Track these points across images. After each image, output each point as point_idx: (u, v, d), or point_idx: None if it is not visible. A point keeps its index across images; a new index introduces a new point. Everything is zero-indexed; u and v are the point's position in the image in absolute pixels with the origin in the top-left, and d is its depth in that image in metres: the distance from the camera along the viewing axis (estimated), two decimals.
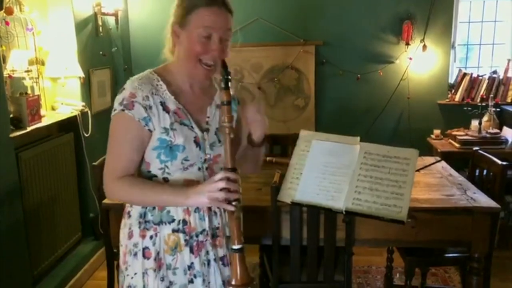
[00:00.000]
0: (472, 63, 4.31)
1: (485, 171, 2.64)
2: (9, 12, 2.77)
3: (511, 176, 3.37)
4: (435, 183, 2.50)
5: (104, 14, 3.72)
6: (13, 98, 2.75)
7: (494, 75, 3.99)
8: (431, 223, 2.17)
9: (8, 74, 2.79)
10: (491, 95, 3.85)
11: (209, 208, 1.48)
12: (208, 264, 1.48)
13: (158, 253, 1.44)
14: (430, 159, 2.96)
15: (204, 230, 1.46)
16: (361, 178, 1.62)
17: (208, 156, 1.47)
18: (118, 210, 2.24)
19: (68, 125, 3.28)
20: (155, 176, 1.45)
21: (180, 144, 1.41)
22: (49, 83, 3.27)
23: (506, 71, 4.00)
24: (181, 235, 1.44)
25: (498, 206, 2.16)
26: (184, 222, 1.45)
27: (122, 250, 1.52)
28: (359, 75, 4.07)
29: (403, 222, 1.52)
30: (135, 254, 1.46)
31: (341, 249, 2.19)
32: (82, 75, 3.34)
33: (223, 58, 1.40)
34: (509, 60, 4.02)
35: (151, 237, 1.44)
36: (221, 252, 1.51)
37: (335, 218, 2.17)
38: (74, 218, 3.38)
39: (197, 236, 1.46)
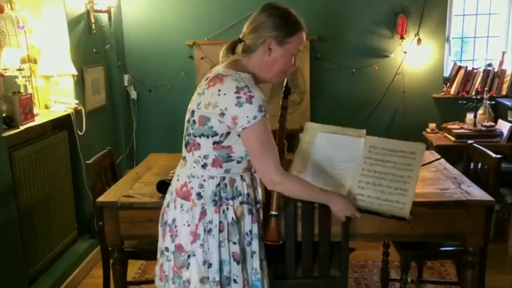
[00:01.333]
0: (467, 56, 4.30)
1: (479, 164, 2.64)
2: (1, 10, 2.75)
3: (506, 169, 3.40)
4: (430, 177, 2.50)
5: (96, 11, 3.70)
6: (5, 97, 2.74)
7: (489, 68, 3.99)
8: (425, 217, 2.16)
9: (0, 72, 2.77)
10: (486, 88, 3.85)
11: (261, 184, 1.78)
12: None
13: (231, 224, 1.69)
14: (425, 153, 2.96)
15: (259, 200, 1.80)
16: (365, 172, 1.63)
17: None
18: (112, 208, 2.25)
19: (62, 124, 3.27)
20: (232, 160, 1.67)
21: None
22: (42, 82, 3.25)
23: (500, 63, 4.00)
24: (245, 206, 1.72)
25: (492, 199, 2.15)
26: (247, 195, 1.73)
27: (187, 230, 1.69)
28: (354, 70, 4.06)
29: (404, 219, 1.51)
30: (210, 230, 1.67)
31: (336, 244, 2.19)
32: (75, 73, 3.32)
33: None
34: (503, 53, 4.02)
35: (223, 211, 1.68)
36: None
37: (330, 213, 2.17)
38: (69, 217, 3.38)
39: (256, 204, 1.78)
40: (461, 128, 3.69)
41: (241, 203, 1.71)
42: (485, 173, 2.56)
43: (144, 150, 3.96)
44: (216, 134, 1.64)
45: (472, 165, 2.73)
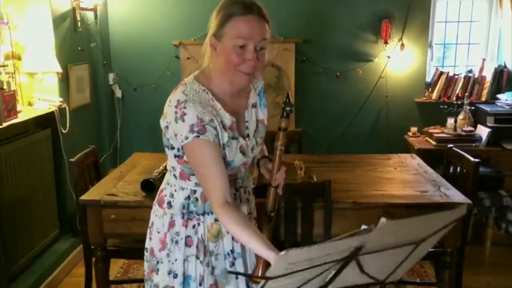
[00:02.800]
0: (449, 62, 4.39)
1: (458, 168, 2.70)
2: None
3: (484, 173, 3.48)
4: (411, 179, 2.56)
5: (82, 9, 3.69)
6: None
7: (470, 74, 4.07)
8: (405, 218, 2.21)
9: None
10: (467, 94, 3.93)
11: (244, 193, 1.62)
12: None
13: (202, 241, 1.53)
14: (406, 156, 3.03)
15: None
16: None
17: (248, 159, 1.58)
18: (95, 207, 2.26)
19: (45, 121, 3.24)
20: None
21: (230, 160, 1.49)
22: (25, 78, 3.22)
23: (481, 70, 4.09)
24: (221, 224, 1.52)
25: (470, 202, 2.21)
26: None
27: (158, 236, 1.59)
28: (338, 73, 4.12)
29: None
30: (177, 242, 1.54)
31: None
32: (60, 70, 3.30)
33: (259, 67, 1.44)
34: (483, 60, 4.11)
35: (193, 226, 1.54)
36: None
37: (312, 214, 2.20)
38: (51, 215, 3.35)
39: None
40: (442, 132, 3.77)
41: (216, 220, 1.52)
42: (464, 177, 2.62)
43: (128, 149, 3.95)
44: (173, 148, 1.50)
45: (451, 168, 2.79)
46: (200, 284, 1.54)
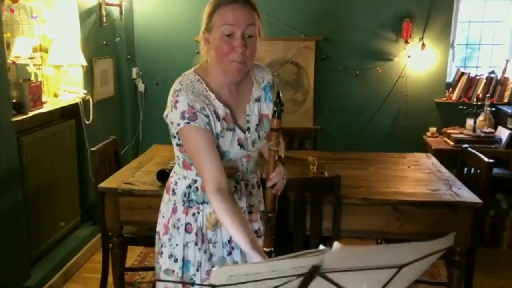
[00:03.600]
0: (473, 63, 4.34)
1: (473, 169, 2.69)
2: (15, 0, 2.85)
3: (502, 175, 3.45)
4: (423, 178, 2.56)
5: (108, 4, 3.80)
6: (16, 83, 2.83)
7: (492, 75, 4.02)
8: (415, 216, 2.24)
9: (13, 60, 2.87)
10: (488, 95, 3.88)
11: (245, 189, 1.64)
12: None
13: (200, 229, 1.59)
14: (421, 155, 3.03)
15: (241, 208, 1.60)
16: None
17: (250, 153, 1.60)
18: (113, 194, 2.34)
19: (70, 112, 3.37)
20: None
21: (226, 150, 1.54)
22: (52, 71, 3.35)
23: (504, 71, 4.03)
24: None
25: (480, 201, 2.21)
26: None
27: (163, 221, 1.67)
28: (358, 72, 4.12)
29: None
30: (178, 228, 1.61)
31: (327, 238, 2.26)
32: (85, 63, 3.42)
33: (248, 54, 1.46)
34: (507, 61, 4.06)
35: (193, 214, 1.60)
36: (256, 225, 1.67)
37: (321, 208, 2.24)
38: (73, 203, 3.47)
39: None
40: (461, 133, 3.74)
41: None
42: (478, 177, 2.61)
43: (149, 142, 4.05)
44: (175, 137, 1.56)
45: (466, 169, 2.78)
46: (198, 270, 1.60)
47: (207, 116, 1.48)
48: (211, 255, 1.61)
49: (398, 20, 4.00)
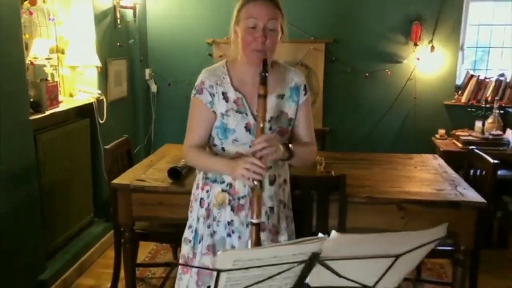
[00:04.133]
0: (483, 65, 4.36)
1: (478, 171, 2.72)
2: (33, 2, 2.95)
3: (510, 177, 3.47)
4: (429, 178, 2.60)
5: (122, 7, 3.90)
6: (33, 83, 2.93)
7: (501, 78, 4.04)
8: (419, 214, 2.28)
9: (30, 61, 2.97)
10: (497, 98, 3.90)
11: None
12: (247, 225, 1.72)
13: (208, 205, 1.78)
14: (428, 156, 3.06)
15: (245, 195, 1.74)
16: None
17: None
18: (125, 191, 2.42)
19: (84, 111, 3.47)
20: (216, 145, 1.78)
21: (231, 128, 1.71)
22: (68, 71, 3.46)
23: None
24: (226, 195, 1.76)
25: (484, 201, 2.24)
26: (230, 185, 1.75)
27: (191, 197, 1.89)
28: (367, 74, 4.16)
29: None
30: (196, 201, 1.84)
31: None
32: (99, 64, 3.52)
33: (268, 45, 1.63)
34: None
35: (207, 191, 1.80)
36: (261, 218, 1.69)
37: (327, 207, 2.30)
38: (87, 200, 3.57)
39: (239, 199, 1.75)
40: (469, 135, 3.76)
41: (223, 190, 1.75)
42: (483, 178, 2.64)
43: (161, 141, 4.13)
44: None
45: (472, 170, 2.81)
46: (199, 242, 1.78)
47: (212, 95, 1.72)
48: (214, 232, 1.77)
49: (408, 22, 4.04)
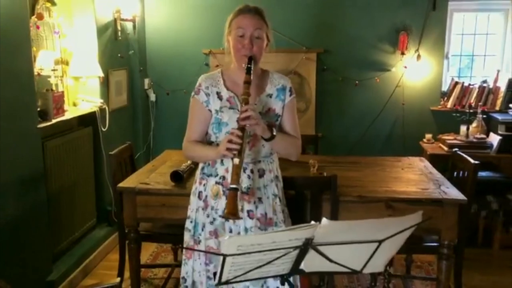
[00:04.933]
0: (468, 72, 4.57)
1: (461, 172, 2.90)
2: (40, 17, 3.12)
3: (493, 178, 3.65)
4: (415, 179, 2.78)
5: (123, 19, 4.07)
6: (40, 93, 3.08)
7: (484, 85, 4.24)
8: (405, 212, 2.38)
9: (37, 72, 3.12)
10: (480, 103, 4.10)
11: (244, 171, 1.95)
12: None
13: (206, 197, 2.01)
14: (415, 159, 3.24)
15: (240, 187, 1.91)
16: None
17: (248, 133, 1.89)
18: (130, 193, 2.57)
19: (87, 120, 3.62)
20: (212, 142, 2.03)
21: (225, 121, 1.96)
22: (72, 81, 3.61)
23: (495, 81, 4.25)
24: (220, 187, 1.98)
25: (464, 198, 2.41)
26: (223, 177, 1.98)
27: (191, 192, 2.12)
28: (357, 82, 4.35)
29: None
30: (194, 195, 2.07)
31: None
32: (101, 75, 3.67)
33: (255, 51, 1.91)
34: (498, 71, 4.28)
35: (204, 184, 2.03)
36: (247, 206, 1.97)
37: (320, 206, 2.46)
38: (90, 205, 3.71)
39: (230, 190, 1.87)
40: (455, 139, 3.95)
41: (217, 183, 1.99)
42: (466, 178, 2.81)
43: (160, 148, 4.28)
44: None
45: (456, 171, 2.99)
46: (202, 229, 2.02)
47: (208, 95, 2.00)
48: (214, 219, 2.00)
49: (395, 33, 4.24)
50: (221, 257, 1.94)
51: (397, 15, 4.24)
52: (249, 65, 1.88)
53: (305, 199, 2.44)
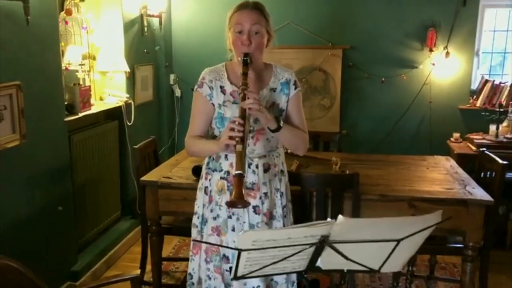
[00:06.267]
0: (498, 71, 4.43)
1: (488, 173, 2.82)
2: (69, 13, 3.18)
3: None
4: (440, 178, 2.72)
5: (149, 16, 4.11)
6: (68, 87, 3.15)
7: None
8: (429, 211, 2.33)
9: (65, 66, 3.19)
10: (511, 102, 3.98)
11: (249, 166, 1.94)
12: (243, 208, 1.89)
13: (211, 192, 2.01)
14: (441, 158, 3.17)
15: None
16: None
17: (252, 128, 1.92)
18: (153, 187, 2.60)
19: (113, 114, 3.68)
20: (216, 136, 2.00)
21: (228, 116, 1.92)
22: (98, 76, 3.68)
23: None
24: (225, 182, 1.97)
25: (491, 199, 2.35)
26: (228, 173, 1.97)
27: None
28: (383, 79, 4.28)
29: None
30: (200, 189, 2.07)
31: None
32: (127, 70, 3.73)
33: (253, 47, 1.87)
34: None
35: (209, 179, 2.02)
36: (253, 202, 1.95)
37: (341, 204, 2.44)
38: (115, 197, 3.78)
39: None
40: (483, 138, 3.85)
41: (221, 178, 1.98)
42: (493, 179, 2.74)
43: (184, 143, 4.33)
44: None
45: (483, 172, 2.91)
46: (205, 224, 2.02)
47: (211, 88, 1.98)
48: (217, 215, 1.98)
49: (423, 29, 4.15)
50: (221, 257, 1.97)
51: (426, 11, 4.15)
52: (245, 58, 1.85)
53: (326, 196, 2.42)
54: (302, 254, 1.33)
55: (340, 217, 1.23)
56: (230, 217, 1.96)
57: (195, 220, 2.08)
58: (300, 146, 2.04)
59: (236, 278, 1.35)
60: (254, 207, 1.96)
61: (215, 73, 2.01)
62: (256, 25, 1.88)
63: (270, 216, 1.99)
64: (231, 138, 1.73)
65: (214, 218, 1.99)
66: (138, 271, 2.01)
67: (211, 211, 2.00)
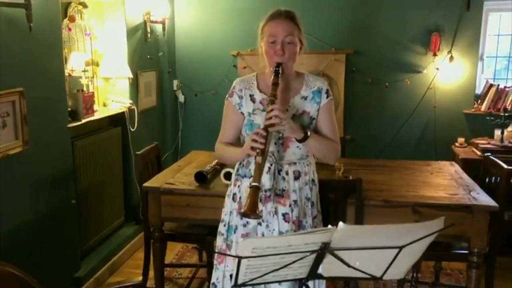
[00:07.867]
0: (503, 75, 4.40)
1: (494, 177, 2.79)
2: (72, 19, 3.20)
3: None
4: (444, 183, 2.70)
5: (152, 22, 4.12)
6: (71, 93, 3.16)
7: None
8: (433, 217, 2.31)
9: (68, 73, 3.20)
10: None
11: (279, 173, 1.95)
12: (273, 215, 1.93)
13: (240, 198, 1.99)
14: (445, 163, 3.15)
15: (271, 188, 1.94)
16: None
17: (281, 134, 1.92)
18: (156, 193, 2.60)
19: (116, 120, 3.69)
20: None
21: (257, 123, 1.94)
22: (102, 82, 3.69)
23: None
24: None
25: (496, 205, 2.32)
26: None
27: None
28: (387, 83, 4.27)
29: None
30: (229, 196, 2.06)
31: None
32: (131, 76, 3.73)
33: (287, 57, 1.89)
34: None
35: (238, 186, 2.02)
36: (283, 209, 1.95)
37: (345, 209, 2.42)
38: (118, 203, 3.77)
39: (265, 191, 1.93)
40: (488, 143, 3.82)
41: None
42: (498, 184, 2.71)
43: (188, 149, 4.31)
44: None
45: (488, 177, 2.88)
46: (235, 232, 1.99)
47: (241, 97, 2.01)
48: (247, 222, 1.97)
49: (427, 33, 4.14)
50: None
51: (429, 16, 4.13)
52: (277, 68, 1.87)
53: (329, 202, 2.40)
54: (303, 261, 1.32)
55: (341, 224, 1.22)
56: (260, 224, 1.95)
57: (221, 228, 2.06)
58: (329, 156, 2.02)
59: (236, 285, 1.34)
60: (283, 214, 1.94)
61: (245, 82, 2.04)
62: (290, 36, 1.89)
63: (299, 225, 1.97)
64: (252, 148, 1.78)
65: (244, 225, 1.98)
66: (140, 278, 1.99)
67: (241, 218, 1.97)
